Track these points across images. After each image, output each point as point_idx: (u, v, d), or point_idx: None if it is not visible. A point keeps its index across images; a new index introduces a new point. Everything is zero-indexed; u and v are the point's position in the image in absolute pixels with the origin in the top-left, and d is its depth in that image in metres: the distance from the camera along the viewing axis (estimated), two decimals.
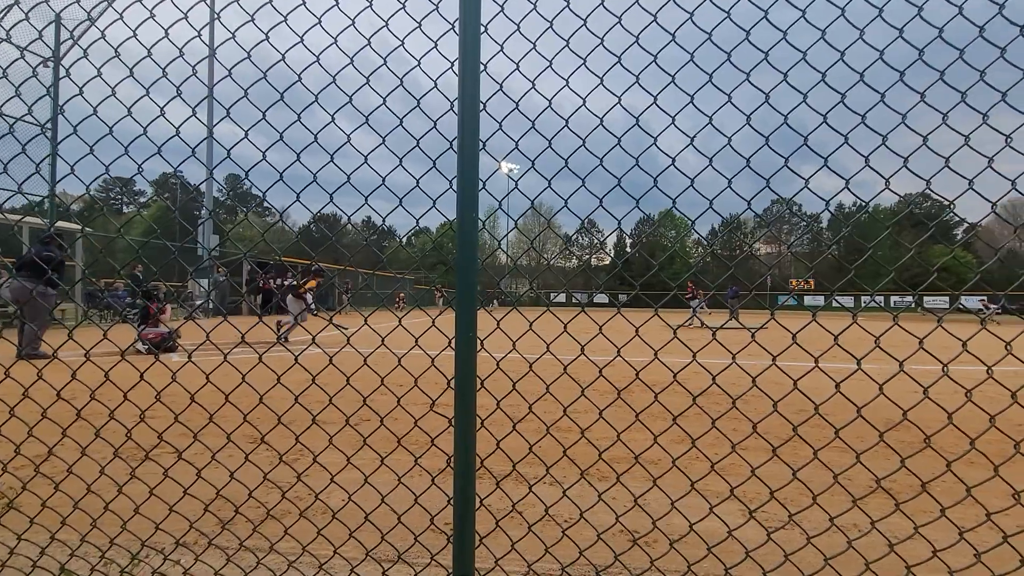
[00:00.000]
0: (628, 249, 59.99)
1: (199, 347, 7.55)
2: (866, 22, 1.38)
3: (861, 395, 1.49)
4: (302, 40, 1.54)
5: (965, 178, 1.35)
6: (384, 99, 1.59)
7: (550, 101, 1.48)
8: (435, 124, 1.58)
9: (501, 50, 1.52)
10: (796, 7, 1.42)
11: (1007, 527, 1.48)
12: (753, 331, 1.43)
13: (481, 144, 1.49)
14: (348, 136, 1.58)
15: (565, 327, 1.51)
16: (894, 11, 1.39)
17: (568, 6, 1.51)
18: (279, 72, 1.62)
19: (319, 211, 2.30)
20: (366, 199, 1.55)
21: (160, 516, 1.67)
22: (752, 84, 1.44)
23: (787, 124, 1.45)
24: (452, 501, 1.49)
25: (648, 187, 1.50)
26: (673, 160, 1.54)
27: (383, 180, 1.57)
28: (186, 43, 1.54)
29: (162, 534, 1.71)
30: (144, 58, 1.59)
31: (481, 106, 1.49)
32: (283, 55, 1.59)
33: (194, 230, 1.87)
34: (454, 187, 1.48)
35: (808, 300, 46.60)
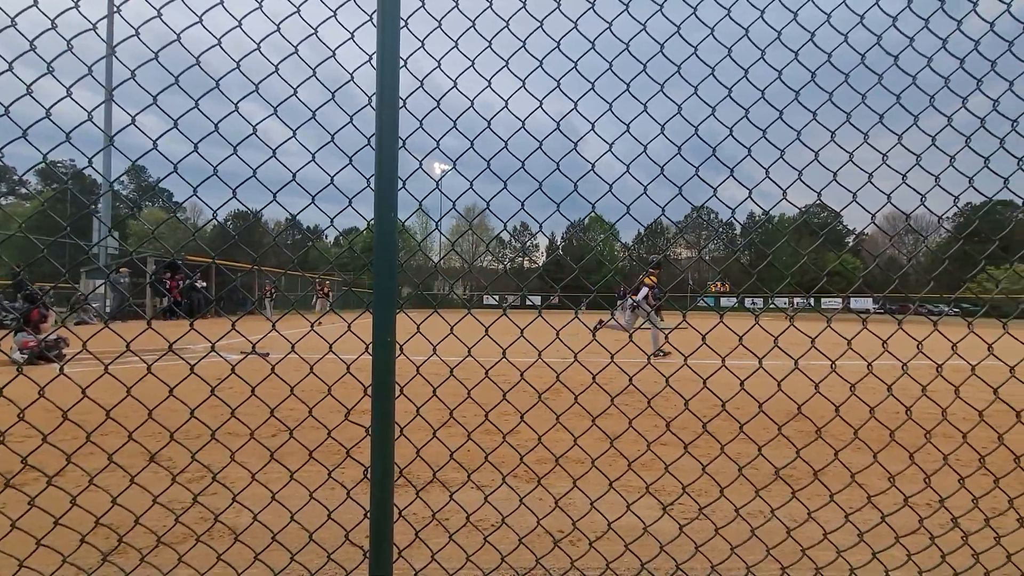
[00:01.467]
0: (560, 252, 61.36)
1: (75, 356, 6.76)
2: (766, 43, 1.48)
3: (765, 391, 1.59)
4: (201, 21, 1.41)
5: (849, 191, 1.48)
6: (295, 90, 1.49)
7: (472, 101, 1.46)
8: (351, 119, 1.50)
9: (422, 46, 1.47)
10: (706, 25, 1.49)
11: (885, 506, 1.64)
12: (667, 330, 1.48)
13: (401, 142, 1.43)
14: (254, 127, 1.46)
15: (487, 330, 1.49)
16: (791, 36, 1.50)
17: (491, 6, 1.49)
18: (183, 55, 1.48)
19: (220, 207, 2.12)
20: (274, 196, 1.44)
21: (24, 552, 1.45)
22: (666, 95, 1.50)
23: (697, 136, 1.52)
24: (369, 514, 1.42)
25: (573, 191, 1.52)
26: (592, 166, 1.57)
27: (294, 176, 1.47)
28: (58, 15, 1.35)
29: (27, 572, 1.49)
30: (7, 27, 1.38)
31: (401, 103, 1.44)
32: (178, 35, 1.44)
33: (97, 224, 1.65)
34: (372, 185, 1.42)
35: (724, 302, 49.99)
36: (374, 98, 1.40)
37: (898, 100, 1.54)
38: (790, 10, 1.52)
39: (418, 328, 1.47)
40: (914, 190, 1.51)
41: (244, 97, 1.44)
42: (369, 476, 1.42)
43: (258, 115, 1.53)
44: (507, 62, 1.49)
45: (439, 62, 1.48)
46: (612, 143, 1.53)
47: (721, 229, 59.03)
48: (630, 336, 1.50)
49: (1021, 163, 1.57)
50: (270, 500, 1.52)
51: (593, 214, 1.68)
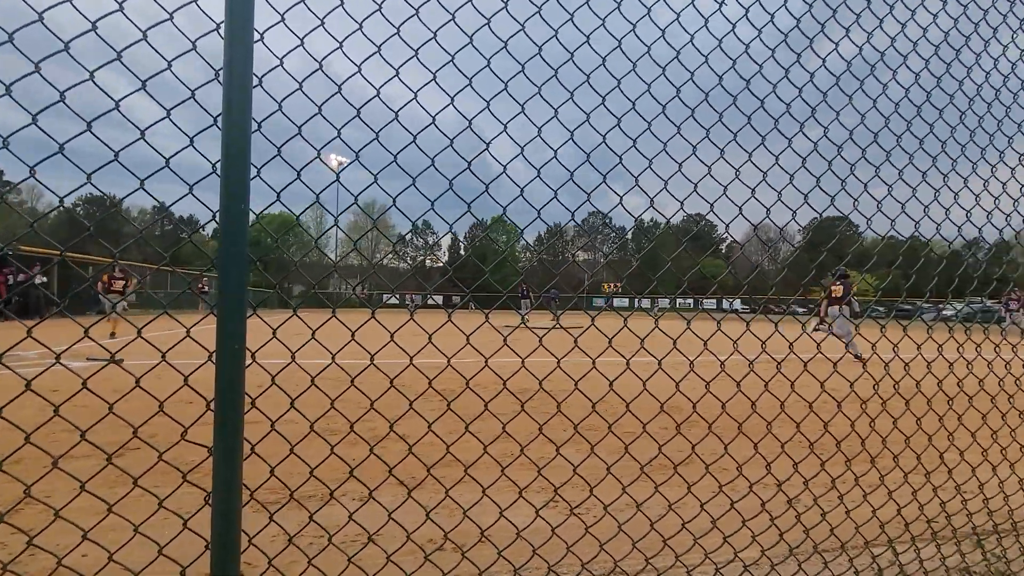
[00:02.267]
0: (462, 252, 61.30)
1: None
2: (666, 61, 1.54)
3: (653, 383, 1.65)
4: None
5: (736, 204, 1.60)
6: (120, 54, 1.26)
7: (338, 86, 1.34)
8: (193, 94, 1.31)
9: (282, 20, 1.33)
10: (614, 37, 1.51)
11: (740, 490, 1.78)
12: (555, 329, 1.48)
13: (256, 125, 1.27)
14: (116, 102, 1.20)
15: (353, 335, 1.38)
16: (689, 56, 1.58)
17: None
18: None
19: (72, 192, 1.76)
20: (88, 177, 1.21)
21: None
22: (575, 104, 1.50)
23: (605, 144, 1.55)
24: (210, 546, 1.25)
25: (482, 192, 1.47)
26: (504, 168, 1.52)
27: (116, 155, 1.24)
28: None
29: None
30: None
31: (256, 80, 1.28)
32: None
33: None
34: (217, 171, 1.24)
35: (617, 303, 53.20)
36: (221, 72, 1.23)
37: (776, 123, 1.70)
38: (688, 31, 1.60)
39: (274, 333, 1.32)
40: (761, 204, 1.69)
41: (47, 58, 1.19)
42: (211, 503, 1.25)
43: (123, 89, 1.28)
44: (375, 47, 1.39)
45: (302, 40, 1.34)
46: (524, 146, 1.49)
47: (614, 234, 62.79)
48: (540, 340, 1.48)
49: (845, 184, 1.80)
50: (81, 539, 1.27)
51: (497, 217, 1.64)
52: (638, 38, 1.55)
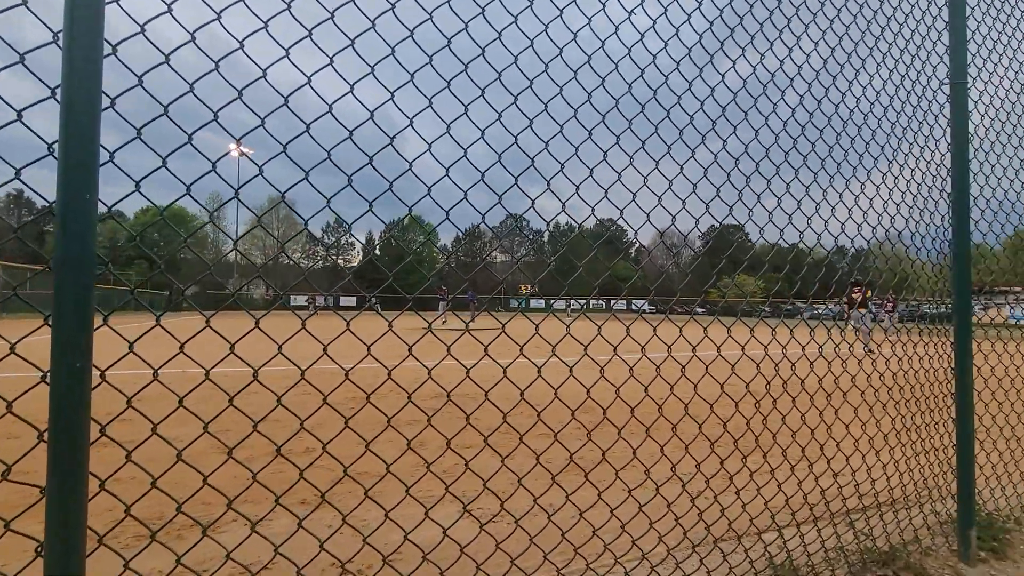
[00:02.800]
0: (377, 252, 59.42)
1: None
2: (578, 65, 1.51)
3: (566, 387, 1.62)
4: None
5: (643, 211, 1.60)
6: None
7: (215, 62, 1.16)
8: (23, 57, 1.09)
9: None
10: (527, 36, 1.45)
11: (661, 476, 1.81)
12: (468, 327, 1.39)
13: (109, 100, 1.07)
14: None
15: (232, 348, 1.20)
16: (599, 62, 1.56)
17: None
18: None
19: None
20: None
21: None
22: (487, 102, 1.42)
23: (517, 146, 1.48)
24: None
25: (398, 190, 1.34)
26: (411, 165, 1.39)
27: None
28: None
29: None
30: None
31: (109, 48, 1.08)
32: None
33: None
34: (55, 154, 1.02)
35: (533, 303, 54.38)
36: (60, 35, 1.02)
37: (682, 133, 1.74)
38: (599, 37, 1.57)
39: (131, 347, 1.12)
40: (667, 211, 1.74)
41: None
42: (43, 553, 1.03)
43: None
44: (310, 31, 1.23)
45: (169, 7, 1.15)
46: (432, 143, 1.37)
47: (532, 236, 64.10)
48: (458, 338, 1.38)
49: (742, 195, 1.90)
50: None
51: (412, 215, 1.52)
52: (549, 38, 1.52)
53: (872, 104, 2.29)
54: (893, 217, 2.24)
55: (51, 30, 1.04)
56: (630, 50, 1.68)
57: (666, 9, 1.77)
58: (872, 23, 2.20)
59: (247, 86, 1.20)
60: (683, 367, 1.64)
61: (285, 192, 1.29)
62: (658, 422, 1.78)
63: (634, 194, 1.67)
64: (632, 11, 1.70)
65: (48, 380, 1.01)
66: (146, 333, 1.14)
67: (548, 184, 1.62)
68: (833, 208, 2.15)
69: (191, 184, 1.16)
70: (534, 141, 1.52)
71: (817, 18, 2.06)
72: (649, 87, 1.71)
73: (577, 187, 1.57)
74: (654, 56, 1.72)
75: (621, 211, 1.69)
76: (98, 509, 2.33)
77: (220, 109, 1.17)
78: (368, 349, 1.30)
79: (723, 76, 1.89)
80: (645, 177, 1.69)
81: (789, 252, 2.24)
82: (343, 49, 1.28)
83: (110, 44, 1.05)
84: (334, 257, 65.77)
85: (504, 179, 1.41)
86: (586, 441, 1.65)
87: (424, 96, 1.35)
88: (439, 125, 1.39)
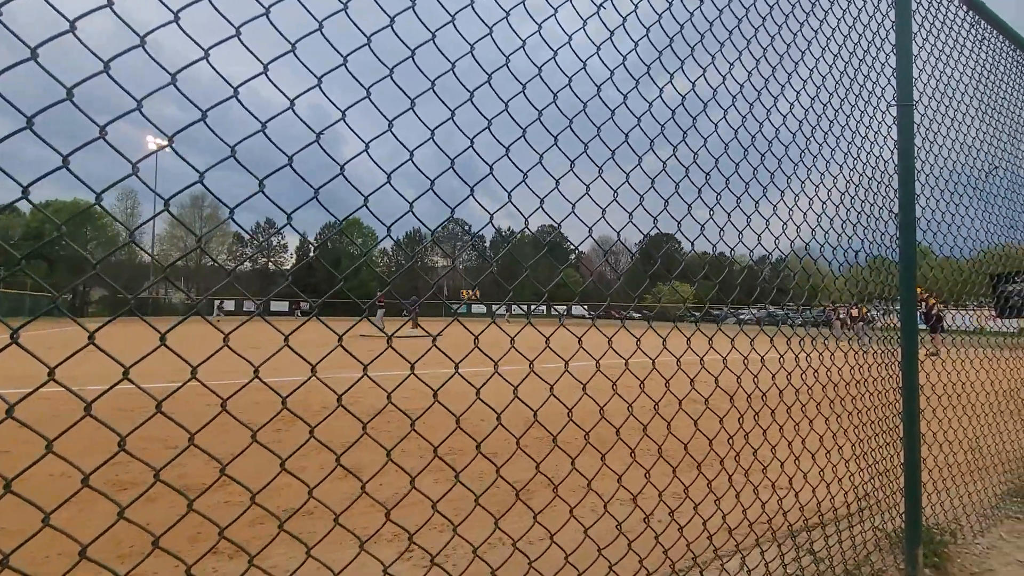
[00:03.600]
0: (311, 254, 57.00)
1: None
2: (528, 78, 1.48)
3: (505, 398, 1.54)
4: None
5: (584, 222, 1.59)
6: None
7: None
8: None
9: None
10: (466, 41, 1.39)
11: (595, 509, 1.79)
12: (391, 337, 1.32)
13: None
14: None
15: (210, 362, 1.06)
16: (549, 73, 1.53)
17: None
18: None
19: None
20: None
21: None
22: (438, 97, 1.35)
23: (440, 148, 1.42)
24: None
25: (335, 191, 1.23)
26: (342, 169, 1.29)
27: None
28: None
29: None
30: None
31: None
32: None
33: None
34: None
35: (475, 308, 54.26)
36: None
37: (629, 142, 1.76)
38: (530, 55, 1.55)
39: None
40: (610, 225, 1.75)
41: None
42: None
43: None
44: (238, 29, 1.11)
45: None
46: (368, 143, 1.28)
47: (473, 240, 64.02)
48: (388, 340, 1.29)
49: (668, 206, 1.95)
50: None
51: (352, 217, 1.41)
52: (495, 43, 1.49)
53: (817, 121, 2.37)
54: (814, 230, 2.38)
55: None
56: (585, 64, 1.68)
57: (623, 22, 1.79)
58: (813, 43, 2.33)
59: (178, 73, 1.08)
60: (613, 381, 1.64)
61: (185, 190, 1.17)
62: (616, 444, 1.77)
63: (572, 205, 1.67)
64: (573, 32, 1.70)
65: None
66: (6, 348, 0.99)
67: (471, 192, 1.58)
68: (767, 220, 2.22)
69: (102, 191, 1.02)
70: (479, 147, 1.48)
71: (758, 38, 2.16)
72: (578, 97, 1.72)
73: (509, 193, 1.55)
74: (612, 71, 1.74)
75: (559, 224, 1.68)
76: None
77: (144, 98, 1.02)
78: (313, 370, 1.20)
79: (661, 91, 1.93)
80: (588, 185, 1.70)
81: (715, 260, 2.33)
82: (243, 24, 1.19)
83: None
84: (265, 260, 62.39)
85: (446, 184, 1.36)
86: (535, 474, 1.60)
87: (361, 85, 1.26)
88: (377, 124, 1.32)
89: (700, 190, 2.03)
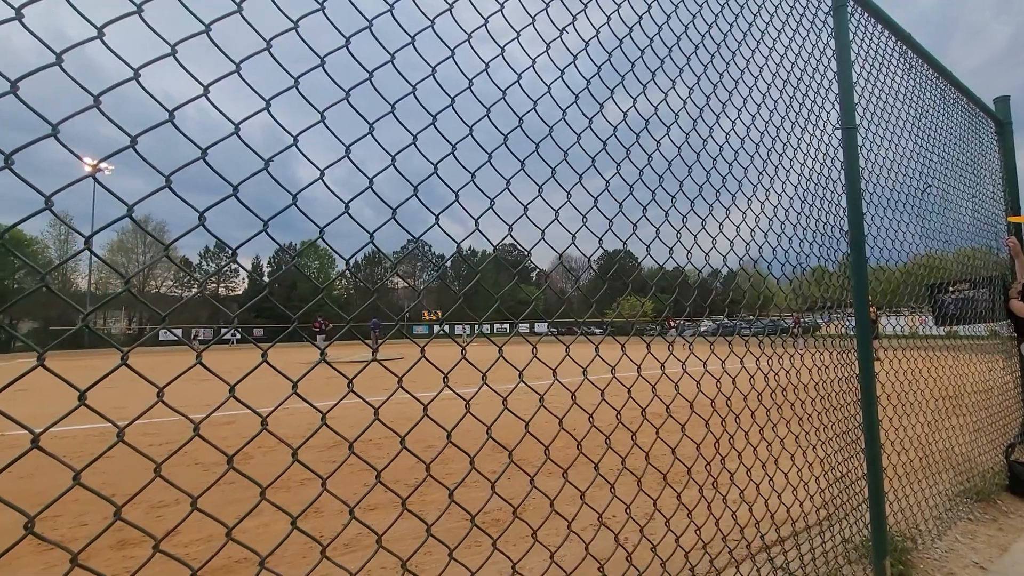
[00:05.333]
0: (266, 278, 55.02)
1: None
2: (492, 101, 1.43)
3: (465, 423, 1.46)
4: None
5: (552, 245, 1.55)
6: None
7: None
8: None
9: None
10: (428, 64, 1.34)
11: (586, 533, 1.72)
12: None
13: None
14: None
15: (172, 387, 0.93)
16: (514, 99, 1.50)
17: None
18: None
19: None
20: None
21: None
22: (399, 122, 1.28)
23: (395, 167, 1.35)
24: None
25: (289, 212, 1.13)
26: (295, 199, 1.19)
27: None
28: None
29: None
30: None
31: None
32: None
33: None
34: None
35: (436, 328, 53.53)
36: None
37: (595, 161, 1.73)
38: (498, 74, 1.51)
39: None
40: (571, 233, 1.72)
41: None
42: None
43: None
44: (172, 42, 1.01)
45: None
46: (323, 170, 1.18)
47: (434, 260, 63.57)
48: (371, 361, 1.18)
49: (613, 222, 1.95)
50: None
51: (306, 240, 1.30)
52: (457, 66, 1.45)
53: (759, 138, 2.43)
54: (761, 247, 2.44)
55: None
56: (550, 87, 1.66)
57: (585, 45, 1.79)
58: (756, 63, 2.41)
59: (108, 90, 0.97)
60: (572, 392, 1.59)
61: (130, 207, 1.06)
62: (577, 459, 1.71)
63: (542, 231, 1.63)
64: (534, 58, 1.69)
65: None
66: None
67: (436, 219, 1.51)
68: (714, 235, 2.25)
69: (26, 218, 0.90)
70: (429, 167, 1.41)
71: (696, 59, 2.21)
72: (514, 116, 1.70)
73: (476, 220, 1.51)
74: (549, 87, 1.72)
75: (519, 243, 1.64)
76: None
77: (61, 122, 0.91)
78: (242, 403, 1.09)
79: (601, 108, 1.94)
80: (542, 203, 1.67)
81: (673, 274, 2.33)
82: (181, 41, 1.09)
83: None
84: (214, 285, 59.64)
85: (405, 205, 1.30)
86: (491, 495, 1.51)
87: (316, 110, 1.19)
88: (335, 142, 1.24)
89: (645, 208, 2.02)
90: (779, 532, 2.28)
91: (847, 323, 2.63)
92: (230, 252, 1.04)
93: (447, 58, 1.34)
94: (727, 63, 2.25)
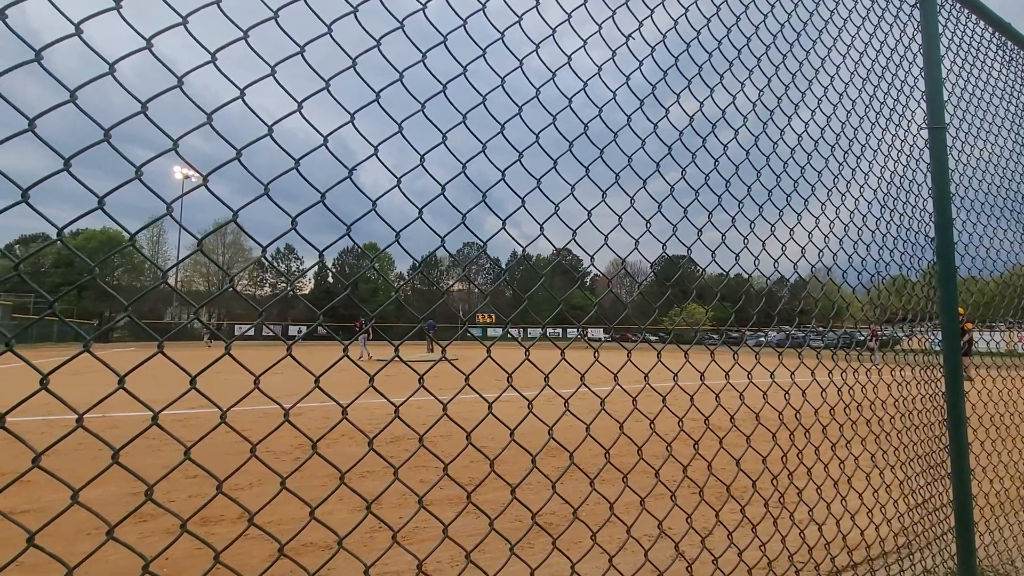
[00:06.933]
0: (330, 279, 57.78)
1: None
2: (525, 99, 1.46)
3: (525, 425, 1.48)
4: None
5: (581, 246, 1.55)
6: None
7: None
8: None
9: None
10: (497, 74, 1.40)
11: (643, 537, 1.70)
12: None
13: (27, 121, 0.87)
14: None
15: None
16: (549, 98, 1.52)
17: None
18: None
19: None
20: None
21: None
22: (468, 128, 1.35)
23: (465, 175, 1.41)
24: None
25: (353, 215, 1.22)
26: (374, 204, 1.28)
27: None
28: None
29: None
30: None
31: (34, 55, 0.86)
32: None
33: None
34: None
35: (491, 331, 54.14)
36: None
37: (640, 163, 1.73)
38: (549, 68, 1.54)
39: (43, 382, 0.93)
40: (633, 236, 1.71)
41: None
42: None
43: None
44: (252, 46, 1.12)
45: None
46: (400, 178, 1.26)
47: (489, 264, 64.43)
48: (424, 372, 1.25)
49: (699, 229, 1.91)
50: None
51: (369, 242, 1.39)
52: (524, 73, 1.49)
53: (836, 140, 2.31)
54: (836, 254, 2.31)
55: None
56: (585, 84, 1.67)
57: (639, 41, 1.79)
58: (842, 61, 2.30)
59: (216, 111, 1.09)
60: (633, 397, 1.58)
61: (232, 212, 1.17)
62: (636, 466, 1.69)
63: (573, 231, 1.64)
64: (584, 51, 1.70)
65: None
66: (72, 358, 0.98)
67: (504, 224, 1.55)
68: (784, 241, 2.16)
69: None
70: (492, 173, 1.45)
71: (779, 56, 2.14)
72: (607, 126, 1.70)
73: (542, 224, 1.53)
74: (614, 93, 1.72)
75: (576, 231, 1.65)
76: None
77: (180, 138, 1.02)
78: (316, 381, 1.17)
79: (667, 111, 1.91)
80: (602, 208, 1.67)
81: (735, 281, 2.24)
82: (281, 62, 1.19)
83: (32, 48, 0.86)
84: (284, 285, 63.33)
85: (461, 207, 1.34)
86: (551, 495, 1.52)
87: (392, 119, 1.26)
88: (397, 154, 1.32)
89: (711, 213, 1.96)
90: (851, 556, 2.15)
91: (932, 337, 2.45)
92: (293, 256, 1.12)
93: (515, 68, 1.39)
94: (800, 62, 2.16)
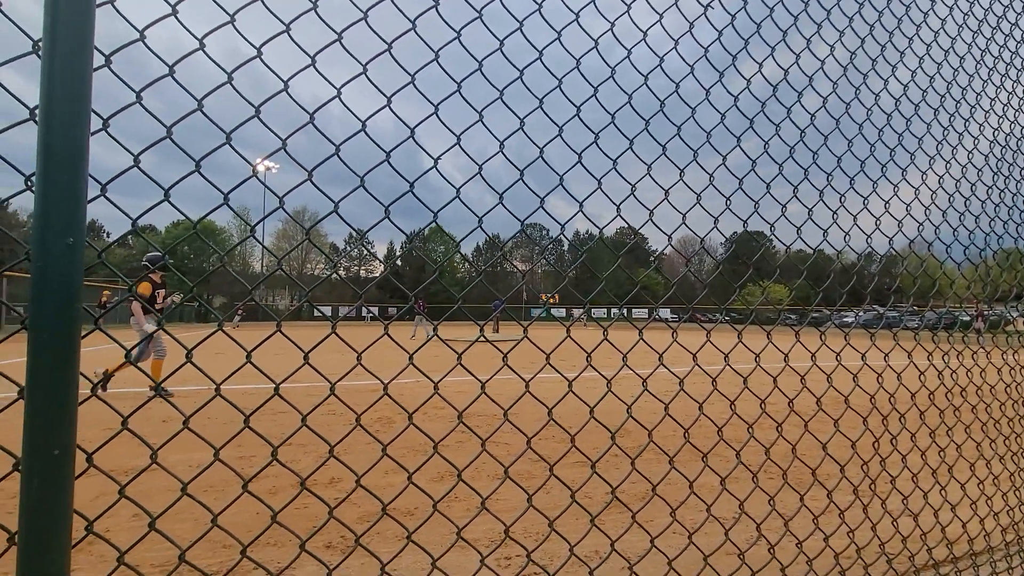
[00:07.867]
0: (399, 263, 60.09)
1: None
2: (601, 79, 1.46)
3: (602, 405, 1.50)
4: None
5: (657, 225, 1.54)
6: None
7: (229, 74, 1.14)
8: None
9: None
10: (535, 47, 1.40)
11: (724, 516, 1.69)
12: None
13: (101, 122, 0.89)
14: None
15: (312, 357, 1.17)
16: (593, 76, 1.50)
17: None
18: None
19: None
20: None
21: None
22: (546, 113, 1.38)
23: (543, 159, 1.43)
24: None
25: (415, 200, 1.29)
26: (458, 192, 1.33)
27: None
28: None
29: None
30: None
31: (104, 59, 0.90)
32: None
33: None
34: (32, 186, 0.83)
35: (555, 312, 54.15)
36: (40, 44, 0.84)
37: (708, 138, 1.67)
38: (624, 46, 1.51)
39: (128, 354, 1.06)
40: (709, 213, 1.66)
41: None
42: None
43: None
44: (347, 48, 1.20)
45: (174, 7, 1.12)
46: (482, 164, 1.31)
47: (551, 245, 64.17)
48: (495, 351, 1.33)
49: (783, 204, 1.81)
50: None
51: (434, 225, 1.46)
52: (563, 46, 1.47)
53: (940, 101, 2.10)
54: (938, 226, 2.11)
55: (30, 38, 0.86)
56: (662, 59, 1.62)
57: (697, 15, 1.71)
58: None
59: (266, 99, 1.18)
60: (713, 378, 1.55)
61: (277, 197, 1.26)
62: (716, 447, 1.67)
63: (650, 211, 1.61)
64: (649, 26, 1.64)
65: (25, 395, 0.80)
66: (201, 340, 1.12)
67: (580, 205, 1.56)
68: (878, 216, 2.01)
69: (228, 192, 1.14)
70: (553, 151, 1.45)
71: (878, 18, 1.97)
72: (655, 96, 1.64)
73: (581, 203, 1.52)
74: (692, 65, 1.66)
75: (652, 212, 1.62)
76: (86, 558, 2.26)
77: (287, 137, 1.11)
78: (411, 359, 1.26)
79: (748, 81, 1.81)
80: (669, 188, 1.63)
81: (811, 258, 2.11)
82: (374, 58, 1.26)
83: (102, 53, 0.89)
84: (357, 267, 66.76)
85: (520, 189, 1.35)
86: (630, 471, 1.54)
87: (431, 106, 1.30)
88: (450, 135, 1.34)
89: (796, 187, 1.86)
90: (951, 550, 2.02)
91: None
92: (357, 238, 1.20)
93: (591, 49, 1.39)
94: (899, 18, 1.97)
